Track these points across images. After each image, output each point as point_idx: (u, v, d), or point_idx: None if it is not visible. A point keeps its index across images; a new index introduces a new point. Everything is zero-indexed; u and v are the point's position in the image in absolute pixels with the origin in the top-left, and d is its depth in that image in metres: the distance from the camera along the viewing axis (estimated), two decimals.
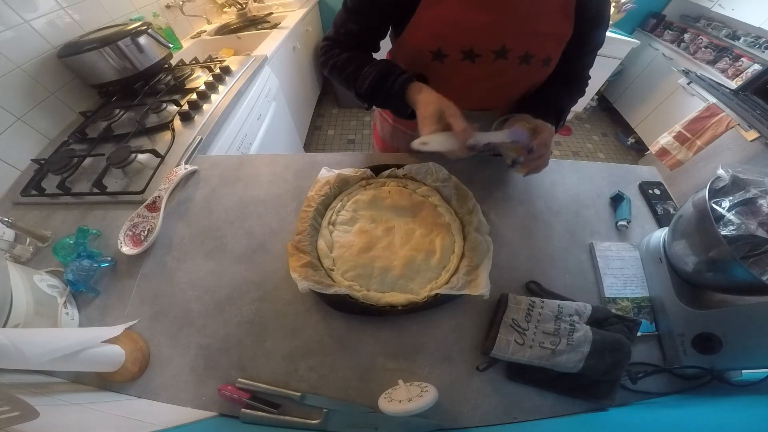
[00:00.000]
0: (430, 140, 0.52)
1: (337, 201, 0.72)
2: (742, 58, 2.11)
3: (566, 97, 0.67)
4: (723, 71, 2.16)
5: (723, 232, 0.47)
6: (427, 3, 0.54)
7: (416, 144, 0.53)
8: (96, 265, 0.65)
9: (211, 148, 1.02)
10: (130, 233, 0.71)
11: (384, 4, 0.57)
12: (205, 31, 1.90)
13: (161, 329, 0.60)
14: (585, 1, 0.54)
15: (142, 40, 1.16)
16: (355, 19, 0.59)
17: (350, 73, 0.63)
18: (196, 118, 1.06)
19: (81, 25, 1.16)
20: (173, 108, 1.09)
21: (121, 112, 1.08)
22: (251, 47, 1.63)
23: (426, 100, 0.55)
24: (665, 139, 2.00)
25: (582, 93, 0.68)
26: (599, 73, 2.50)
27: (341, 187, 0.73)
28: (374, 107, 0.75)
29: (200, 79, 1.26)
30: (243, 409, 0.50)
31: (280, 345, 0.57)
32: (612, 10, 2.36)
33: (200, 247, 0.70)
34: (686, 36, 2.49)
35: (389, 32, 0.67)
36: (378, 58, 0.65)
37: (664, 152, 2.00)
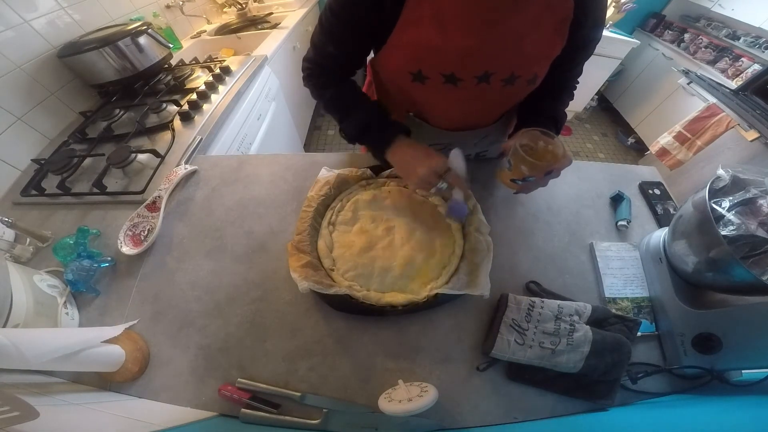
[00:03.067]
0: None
1: (337, 201, 0.72)
2: (742, 58, 2.11)
3: (559, 106, 0.66)
4: (723, 71, 2.16)
5: (723, 232, 0.47)
6: (403, 25, 0.50)
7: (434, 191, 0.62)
8: (96, 265, 0.65)
9: (211, 148, 1.02)
10: (130, 233, 0.71)
11: (358, 28, 0.53)
12: (205, 31, 1.90)
13: (161, 329, 0.60)
14: (581, 18, 0.50)
15: (142, 40, 1.16)
16: (332, 41, 0.56)
17: (339, 111, 0.65)
18: (196, 118, 1.06)
19: (81, 25, 1.16)
20: (173, 108, 1.09)
21: (121, 112, 1.08)
22: (251, 47, 1.62)
23: (417, 156, 0.60)
24: (665, 139, 2.00)
25: (572, 97, 0.68)
26: (599, 73, 2.49)
27: (341, 187, 0.73)
28: None
29: (200, 79, 1.26)
30: (243, 409, 0.50)
31: (280, 345, 0.57)
32: (612, 10, 2.35)
33: (200, 247, 0.70)
34: (686, 36, 2.49)
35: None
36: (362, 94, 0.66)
37: (664, 152, 2.00)
